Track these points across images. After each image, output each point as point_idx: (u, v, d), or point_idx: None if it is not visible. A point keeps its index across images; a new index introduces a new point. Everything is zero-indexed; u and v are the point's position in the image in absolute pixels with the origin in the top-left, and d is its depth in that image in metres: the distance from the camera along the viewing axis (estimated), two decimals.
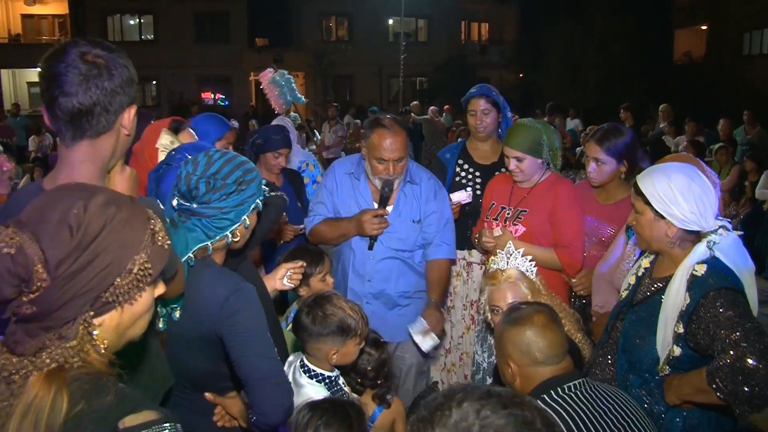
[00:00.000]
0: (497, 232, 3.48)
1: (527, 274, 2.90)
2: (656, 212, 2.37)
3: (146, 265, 1.27)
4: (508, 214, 3.57)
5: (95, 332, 1.24)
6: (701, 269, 2.28)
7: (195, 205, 2.10)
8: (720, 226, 2.34)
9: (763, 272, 8.19)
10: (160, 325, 2.10)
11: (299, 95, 6.11)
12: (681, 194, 2.30)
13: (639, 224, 2.48)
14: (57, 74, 1.67)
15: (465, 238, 3.95)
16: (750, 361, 2.08)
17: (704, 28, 28.41)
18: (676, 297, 2.32)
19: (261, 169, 4.19)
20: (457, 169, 4.19)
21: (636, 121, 12.67)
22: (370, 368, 2.76)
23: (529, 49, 27.98)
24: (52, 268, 1.17)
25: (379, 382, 2.79)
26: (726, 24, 26.49)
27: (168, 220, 2.17)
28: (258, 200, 2.19)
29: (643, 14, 24.09)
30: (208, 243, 2.13)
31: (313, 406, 2.20)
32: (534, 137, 3.42)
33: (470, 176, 4.15)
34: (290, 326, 3.16)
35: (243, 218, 2.15)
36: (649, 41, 24.10)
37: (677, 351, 2.32)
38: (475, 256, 4.09)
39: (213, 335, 2.10)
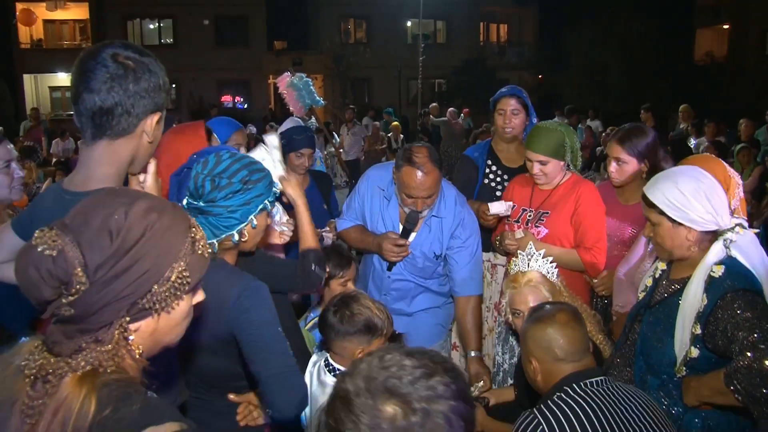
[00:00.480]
0: (519, 234, 3.47)
1: (548, 275, 2.89)
2: (673, 220, 2.35)
3: (184, 274, 1.27)
4: (529, 216, 3.55)
5: (131, 337, 1.25)
6: (719, 270, 2.27)
7: (202, 204, 2.13)
8: (736, 224, 2.34)
9: None
10: None
11: (318, 98, 6.08)
12: (693, 196, 2.30)
13: (658, 235, 2.45)
14: (86, 70, 1.71)
15: (489, 241, 3.93)
16: None
17: (726, 27, 28.12)
18: (693, 298, 2.31)
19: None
20: (486, 171, 4.16)
21: (657, 122, 12.58)
22: None
23: (549, 50, 27.89)
24: (91, 272, 1.18)
25: None
26: (748, 23, 26.20)
27: None
28: (267, 201, 2.21)
29: (664, 14, 23.90)
30: (214, 241, 2.15)
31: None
32: (557, 140, 3.41)
33: (498, 179, 4.13)
34: (309, 325, 3.18)
35: (250, 218, 2.17)
36: (670, 41, 23.90)
37: (695, 352, 2.31)
38: (501, 258, 4.07)
39: (227, 334, 2.12)
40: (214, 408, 2.30)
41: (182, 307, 1.31)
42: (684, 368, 2.37)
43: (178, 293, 1.28)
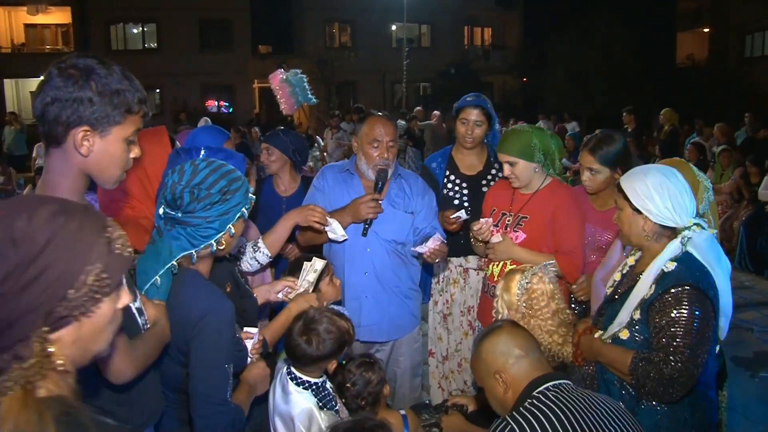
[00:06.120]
0: (497, 238, 3.46)
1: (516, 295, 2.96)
2: (634, 208, 2.53)
3: (102, 275, 1.20)
4: (508, 220, 3.55)
5: (51, 348, 1.17)
6: (671, 266, 2.44)
7: (180, 214, 2.13)
8: (695, 224, 2.49)
9: (765, 273, 8.21)
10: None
11: (310, 96, 5.97)
12: (656, 190, 2.47)
13: (620, 220, 2.64)
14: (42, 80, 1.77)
15: (460, 246, 3.96)
16: (671, 370, 2.33)
17: (706, 31, 28.42)
18: (643, 287, 2.49)
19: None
20: (445, 181, 4.19)
21: (640, 124, 12.69)
22: (349, 385, 2.72)
23: (533, 54, 28.03)
24: None
25: (362, 403, 2.71)
26: (728, 27, 26.50)
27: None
28: (244, 209, 2.21)
29: (646, 18, 24.11)
30: (193, 252, 2.16)
31: (345, 429, 2.20)
32: (524, 141, 3.42)
33: (457, 188, 4.15)
34: None
35: (228, 227, 2.18)
36: (652, 45, 24.11)
37: (625, 334, 2.51)
38: (472, 261, 4.11)
39: (185, 346, 2.17)
40: (178, 415, 2.33)
41: (104, 311, 1.24)
42: (609, 341, 2.58)
43: (98, 296, 1.20)
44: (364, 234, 3.43)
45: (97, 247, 1.20)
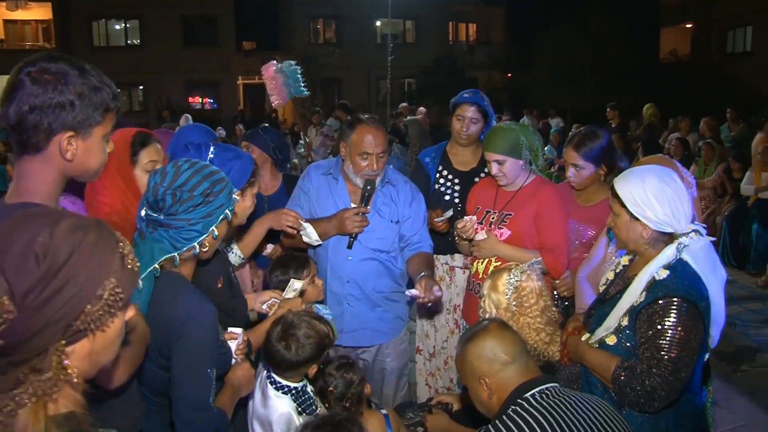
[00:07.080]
0: (481, 235, 3.47)
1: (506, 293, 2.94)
2: (632, 215, 2.43)
3: (117, 290, 1.21)
4: (492, 217, 3.56)
5: (67, 361, 1.18)
6: (663, 274, 2.36)
7: (162, 217, 2.08)
8: (693, 230, 2.41)
9: (747, 268, 8.29)
10: None
11: (302, 88, 5.91)
12: (655, 197, 2.37)
13: (616, 226, 2.55)
14: (8, 85, 1.72)
15: (447, 244, 3.95)
16: (654, 382, 2.27)
17: (689, 26, 28.60)
18: (633, 294, 2.42)
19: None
20: (437, 176, 4.17)
21: (624, 119, 12.70)
22: (331, 389, 2.68)
23: (517, 49, 28.06)
24: (18, 299, 1.11)
25: (347, 404, 2.68)
26: (710, 22, 26.68)
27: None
28: (227, 210, 2.17)
29: (631, 14, 24.19)
30: (175, 254, 2.11)
31: (315, 426, 2.19)
32: (512, 139, 3.42)
33: (449, 183, 4.13)
34: None
35: (211, 229, 2.14)
36: (636, 40, 24.21)
37: (612, 340, 2.46)
38: (458, 260, 4.10)
39: (167, 350, 2.13)
40: (163, 420, 2.30)
41: (117, 325, 1.25)
42: (596, 345, 2.53)
43: (112, 311, 1.22)
44: (349, 247, 3.40)
45: (112, 262, 1.22)
